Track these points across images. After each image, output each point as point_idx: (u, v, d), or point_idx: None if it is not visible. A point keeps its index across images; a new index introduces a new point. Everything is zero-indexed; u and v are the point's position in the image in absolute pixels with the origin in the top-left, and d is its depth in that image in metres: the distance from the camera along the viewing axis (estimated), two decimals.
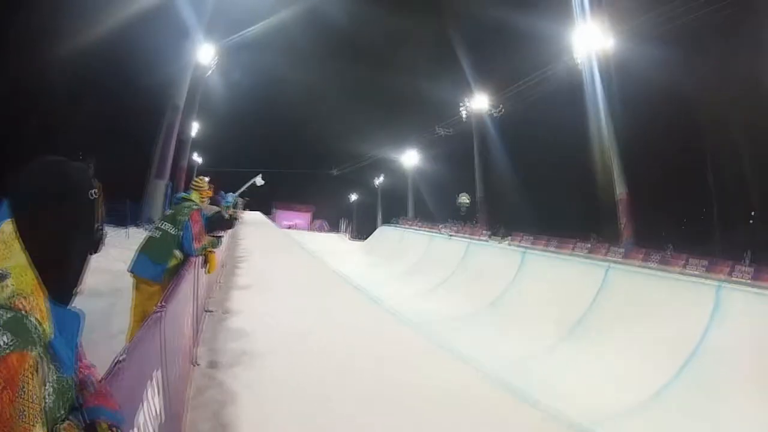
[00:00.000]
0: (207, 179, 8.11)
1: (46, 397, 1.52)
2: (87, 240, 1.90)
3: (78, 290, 1.85)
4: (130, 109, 35.21)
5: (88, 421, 1.75)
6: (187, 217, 7.15)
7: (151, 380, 3.20)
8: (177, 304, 4.82)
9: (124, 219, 27.96)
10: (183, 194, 7.75)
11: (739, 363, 17.96)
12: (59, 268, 1.75)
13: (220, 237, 9.30)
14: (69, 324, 1.73)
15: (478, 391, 9.09)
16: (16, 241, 1.65)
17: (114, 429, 1.82)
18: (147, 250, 6.98)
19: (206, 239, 7.68)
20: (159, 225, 7.23)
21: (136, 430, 2.57)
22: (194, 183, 7.91)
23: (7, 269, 1.58)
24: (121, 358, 2.48)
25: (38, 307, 1.56)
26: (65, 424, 1.63)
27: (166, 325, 3.88)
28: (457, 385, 8.98)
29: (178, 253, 7.05)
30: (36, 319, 1.52)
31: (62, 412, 1.63)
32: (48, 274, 1.65)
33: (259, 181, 59.37)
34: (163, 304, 3.87)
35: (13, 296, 1.52)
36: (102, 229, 2.03)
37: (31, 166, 1.76)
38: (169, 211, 7.52)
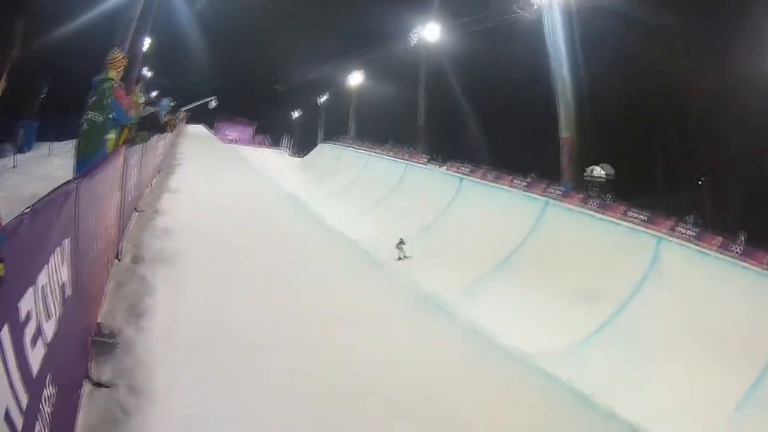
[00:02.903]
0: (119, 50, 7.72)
1: None
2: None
3: None
4: (83, 23, 33.92)
5: None
6: (111, 98, 6.88)
7: (60, 246, 3.12)
8: (97, 183, 4.69)
9: (74, 133, 27.18)
10: (101, 76, 7.20)
11: (669, 320, 18.38)
12: None
13: (149, 133, 9.11)
14: None
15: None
16: None
17: None
18: (80, 150, 6.79)
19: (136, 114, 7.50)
20: (86, 116, 6.88)
21: (32, 287, 2.49)
22: (108, 59, 7.41)
23: None
24: (25, 211, 2.41)
25: None
26: None
27: (82, 199, 3.77)
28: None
29: (110, 135, 6.83)
30: None
31: None
32: None
33: (212, 104, 57.98)
34: (78, 175, 3.75)
35: None
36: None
37: None
38: (91, 99, 7.00)
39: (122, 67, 7.56)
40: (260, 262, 8.81)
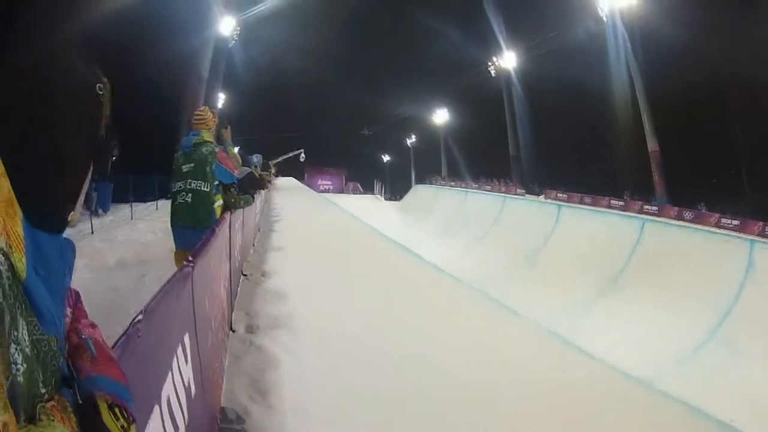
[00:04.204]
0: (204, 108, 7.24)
1: (15, 365, 0.94)
2: (89, 142, 1.25)
3: (73, 215, 1.23)
4: (152, 81, 34.42)
5: (83, 398, 1.14)
6: (214, 164, 6.50)
7: (181, 346, 2.72)
8: (209, 260, 4.34)
9: (152, 192, 27.37)
10: (193, 138, 6.70)
11: None
12: (44, 174, 1.13)
13: (253, 194, 8.82)
14: (55, 259, 1.12)
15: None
16: None
17: (117, 408, 1.20)
18: (185, 220, 6.44)
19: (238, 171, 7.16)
20: (186, 185, 6.47)
21: (159, 407, 2.07)
22: (197, 118, 6.92)
23: None
24: (137, 319, 1.97)
25: (7, 228, 0.95)
26: (49, 404, 1.04)
27: (198, 283, 3.40)
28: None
29: (217, 201, 6.52)
30: (1, 245, 0.92)
31: (44, 387, 1.04)
32: (26, 182, 1.03)
33: (301, 157, 59.62)
34: (191, 258, 3.36)
35: None
36: (110, 139, 1.39)
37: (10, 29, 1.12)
38: (188, 166, 6.56)
39: (214, 126, 7.16)
40: (384, 322, 8.33)
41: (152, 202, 25.91)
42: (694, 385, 14.99)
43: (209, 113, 7.06)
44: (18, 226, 0.99)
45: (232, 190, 6.97)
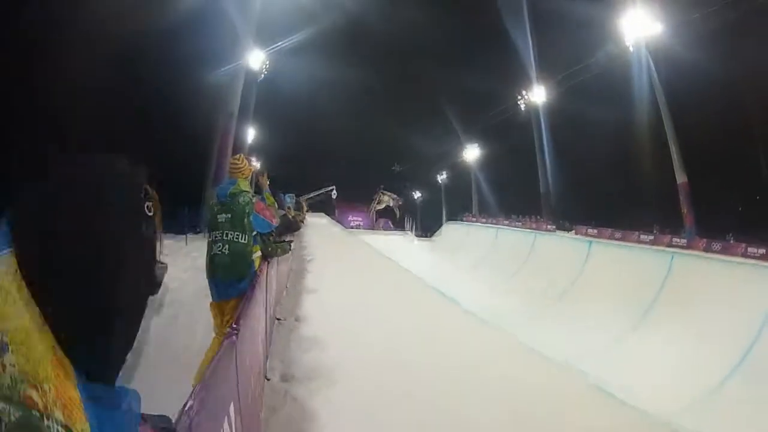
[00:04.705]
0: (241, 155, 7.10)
1: None
2: (140, 278, 1.16)
3: (128, 356, 1.12)
4: (181, 114, 34.69)
5: None
6: (252, 214, 6.37)
7: (227, 419, 2.64)
8: (251, 320, 4.27)
9: (181, 226, 27.34)
10: (230, 187, 6.55)
11: None
12: (96, 327, 1.02)
13: (290, 242, 8.73)
14: (118, 414, 1.03)
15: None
16: (20, 287, 0.91)
17: None
18: (223, 274, 6.26)
19: (276, 218, 7.02)
20: (223, 236, 6.30)
21: None
22: (233, 166, 6.81)
23: (4, 336, 0.86)
24: (189, 406, 1.91)
25: (61, 396, 0.87)
26: None
27: (241, 346, 3.33)
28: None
29: (256, 253, 6.45)
30: (59, 420, 0.84)
31: None
32: (78, 339, 0.96)
33: (333, 194, 59.86)
34: (236, 324, 3.30)
35: (17, 384, 0.82)
36: (162, 262, 1.30)
37: (49, 167, 1.05)
38: (224, 216, 6.38)
39: (251, 174, 7.06)
40: (427, 373, 8.06)
41: (181, 236, 25.97)
42: (726, 416, 15.23)
43: (245, 161, 6.95)
44: (71, 389, 0.91)
45: (270, 238, 6.90)
